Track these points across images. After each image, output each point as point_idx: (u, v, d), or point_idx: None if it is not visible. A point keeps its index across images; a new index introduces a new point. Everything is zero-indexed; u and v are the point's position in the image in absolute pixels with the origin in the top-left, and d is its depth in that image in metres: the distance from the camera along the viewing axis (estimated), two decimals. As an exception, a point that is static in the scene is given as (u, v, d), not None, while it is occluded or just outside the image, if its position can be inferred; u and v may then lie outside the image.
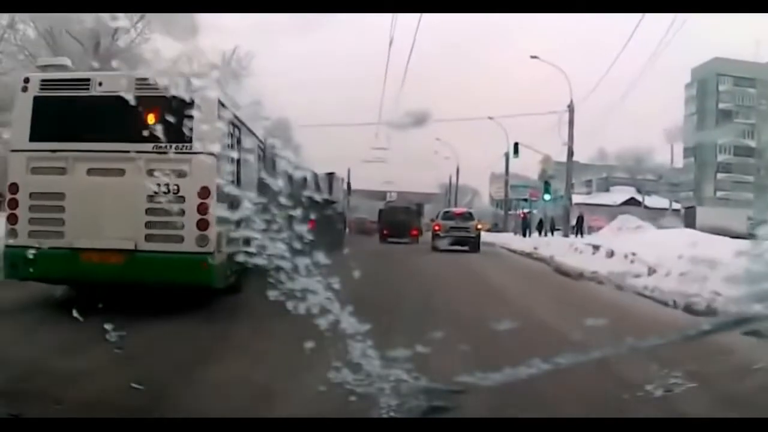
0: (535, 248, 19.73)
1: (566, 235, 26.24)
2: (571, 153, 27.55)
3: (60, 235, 6.03)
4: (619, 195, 64.30)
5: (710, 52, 62.97)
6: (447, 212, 24.66)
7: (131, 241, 6.00)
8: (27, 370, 3.47)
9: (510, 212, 57.00)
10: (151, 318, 5.36)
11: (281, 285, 1.59)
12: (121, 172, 6.02)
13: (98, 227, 6.03)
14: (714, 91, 66.93)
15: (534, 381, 2.09)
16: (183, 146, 5.18)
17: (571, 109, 27.23)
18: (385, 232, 27.89)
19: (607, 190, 67.18)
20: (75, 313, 3.22)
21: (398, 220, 28.06)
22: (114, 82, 6.05)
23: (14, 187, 6.17)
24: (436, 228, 22.57)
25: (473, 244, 21.62)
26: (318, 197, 18.83)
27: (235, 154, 5.57)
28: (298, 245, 1.62)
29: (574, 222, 29.83)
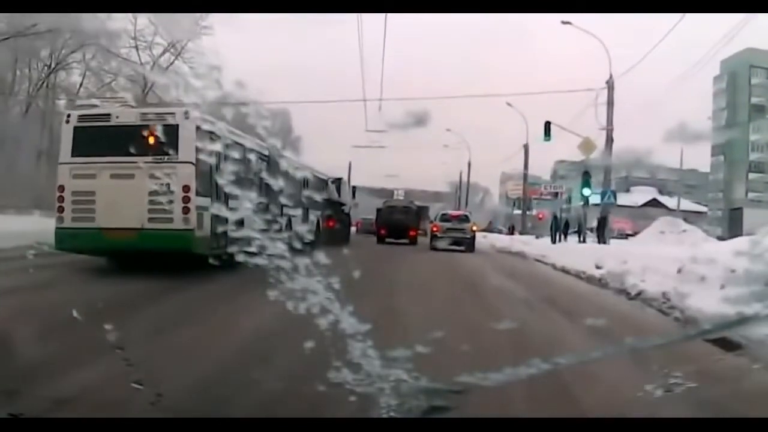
0: (598, 267, 11.53)
1: (603, 241, 22.72)
2: (610, 139, 23.00)
3: (92, 220, 9.08)
4: (640, 196, 60.29)
5: (741, 42, 48.91)
6: (444, 214, 26.39)
7: (139, 222, 8.82)
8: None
9: (519, 212, 54.28)
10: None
11: (273, 261, 1.76)
12: (131, 176, 8.64)
13: (117, 213, 8.90)
14: (746, 84, 61.44)
15: (534, 381, 2.09)
16: (172, 157, 7.77)
17: (610, 85, 22.77)
18: (382, 232, 27.25)
19: (628, 191, 62.60)
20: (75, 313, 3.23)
21: (396, 220, 27.26)
22: (127, 115, 9.07)
23: (62, 188, 9.29)
24: (434, 229, 24.63)
25: (468, 244, 23.63)
26: (328, 198, 21.09)
27: (214, 161, 7.01)
28: (302, 239, 1.81)
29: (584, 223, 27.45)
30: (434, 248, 22.84)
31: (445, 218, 25.12)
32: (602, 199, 23.93)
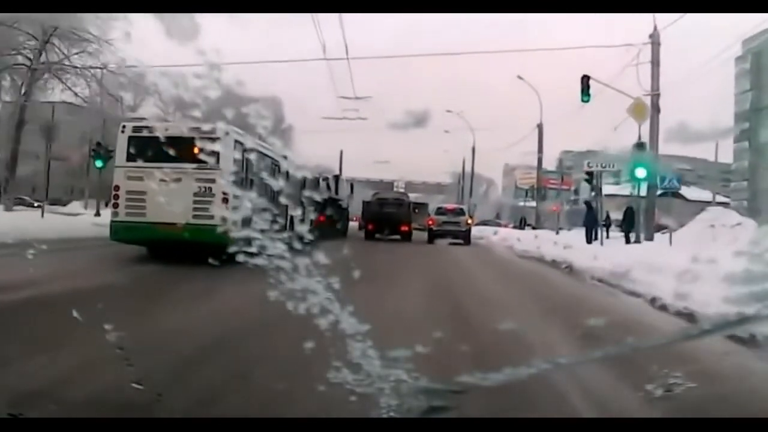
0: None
1: (648, 238, 18.35)
2: (656, 108, 18.60)
3: (143, 215, 10.69)
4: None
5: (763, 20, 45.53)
6: (440, 208, 26.66)
7: (184, 218, 10.23)
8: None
9: (523, 204, 49.92)
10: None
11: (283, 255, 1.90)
12: (179, 180, 9.99)
13: (165, 210, 10.24)
14: (772, 63, 54.11)
15: (534, 381, 2.09)
16: (212, 165, 7.89)
17: (654, 41, 18.77)
18: (369, 227, 24.17)
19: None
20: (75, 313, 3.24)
21: (386, 214, 24.19)
22: (174, 128, 11.39)
23: (117, 188, 11.06)
24: (430, 222, 25.04)
25: (464, 236, 24.14)
26: (325, 196, 21.46)
27: (245, 168, 8.81)
28: (304, 235, 1.91)
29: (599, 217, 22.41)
30: (431, 241, 23.55)
31: (440, 212, 25.51)
32: (661, 183, 19.18)
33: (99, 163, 24.71)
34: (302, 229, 1.88)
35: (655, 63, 18.69)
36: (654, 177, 18.51)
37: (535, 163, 33.63)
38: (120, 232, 11.12)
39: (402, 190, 41.05)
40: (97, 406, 2.86)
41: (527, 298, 8.98)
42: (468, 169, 46.69)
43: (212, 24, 1.94)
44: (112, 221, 11.22)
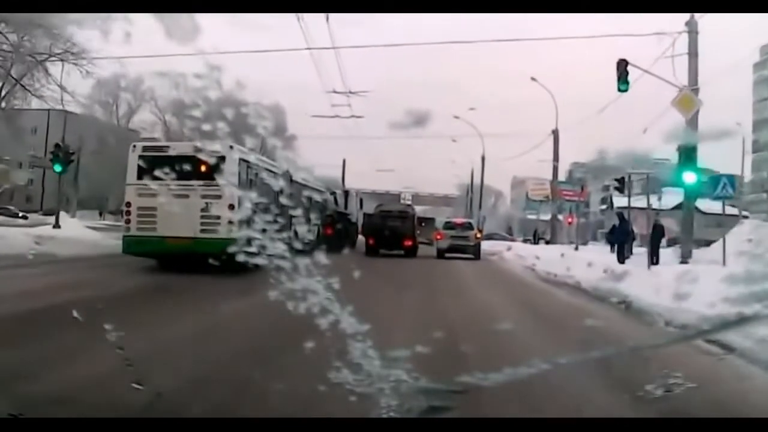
0: None
1: (685, 256, 15.29)
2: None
3: (153, 229, 11.33)
4: (669, 198, 51.59)
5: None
6: (448, 222, 25.77)
7: (193, 231, 10.86)
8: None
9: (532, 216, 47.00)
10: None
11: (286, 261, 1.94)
12: (186, 196, 10.54)
13: (174, 225, 11.03)
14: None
15: (534, 381, 2.09)
16: (219, 182, 8.91)
17: (692, 29, 15.69)
18: (371, 242, 22.38)
19: (654, 192, 55.79)
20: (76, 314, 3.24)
21: (388, 228, 22.41)
22: (182, 147, 10.97)
23: (129, 204, 11.75)
24: (438, 237, 24.23)
25: (473, 251, 22.84)
26: (334, 210, 21.91)
27: (249, 184, 10.22)
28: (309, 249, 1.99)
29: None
30: (439, 255, 22.48)
31: (448, 226, 24.64)
32: (714, 190, 13.90)
33: (57, 168, 21.05)
34: (307, 242, 1.97)
35: (693, 54, 15.87)
36: (704, 183, 15.02)
37: (547, 174, 31.58)
38: (132, 246, 11.75)
39: (408, 202, 39.38)
40: (97, 406, 2.86)
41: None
42: (476, 179, 44.04)
43: (204, 21, 1.94)
44: (124, 236, 11.98)
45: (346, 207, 25.26)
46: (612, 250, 19.47)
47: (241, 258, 1.92)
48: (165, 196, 10.17)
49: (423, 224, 28.13)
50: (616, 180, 20.74)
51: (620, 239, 18.35)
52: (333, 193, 24.21)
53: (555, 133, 28.13)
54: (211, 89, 1.91)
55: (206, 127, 1.94)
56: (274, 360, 4.41)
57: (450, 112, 33.53)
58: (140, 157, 11.63)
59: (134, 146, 12.16)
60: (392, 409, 1.85)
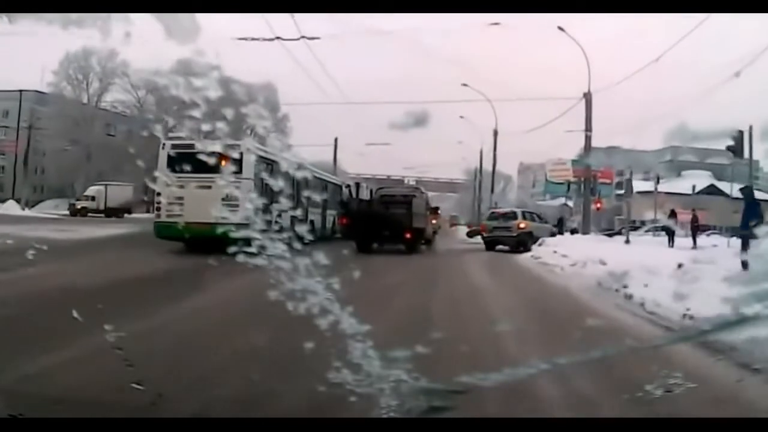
0: None
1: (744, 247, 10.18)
2: None
3: (180, 216, 12.95)
4: (694, 181, 46.09)
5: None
6: (492, 213, 25.01)
7: (214, 218, 10.81)
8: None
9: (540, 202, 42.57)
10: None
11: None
12: (209, 187, 11.11)
13: (198, 212, 11.74)
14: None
15: (534, 381, 2.09)
16: (238, 175, 9.09)
17: None
18: (362, 235, 17.88)
19: (679, 175, 51.73)
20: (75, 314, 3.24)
21: (384, 217, 18.07)
22: (205, 144, 11.24)
23: (159, 194, 13.83)
24: (481, 228, 23.90)
25: (516, 242, 20.85)
26: (348, 201, 22.34)
27: (266, 176, 11.19)
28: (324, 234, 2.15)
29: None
30: (488, 248, 21.71)
31: (492, 217, 23.67)
32: None
33: None
34: (323, 231, 2.18)
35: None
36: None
37: (564, 153, 28.54)
38: (162, 230, 14.01)
39: (414, 184, 35.73)
40: (97, 406, 2.86)
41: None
42: (485, 162, 39.48)
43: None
44: (155, 222, 14.24)
45: (357, 197, 25.70)
46: (670, 244, 17.25)
47: (254, 244, 2.10)
48: (190, 187, 12.11)
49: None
50: (732, 140, 17.33)
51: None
52: (348, 186, 24.81)
53: (587, 97, 23.07)
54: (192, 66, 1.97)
55: (176, 106, 2.03)
56: (274, 357, 4.41)
57: (458, 82, 31.56)
58: (168, 153, 12.73)
59: (164, 144, 13.25)
60: (392, 409, 1.85)
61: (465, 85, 32.53)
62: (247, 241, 2.17)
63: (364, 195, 25.77)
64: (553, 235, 23.02)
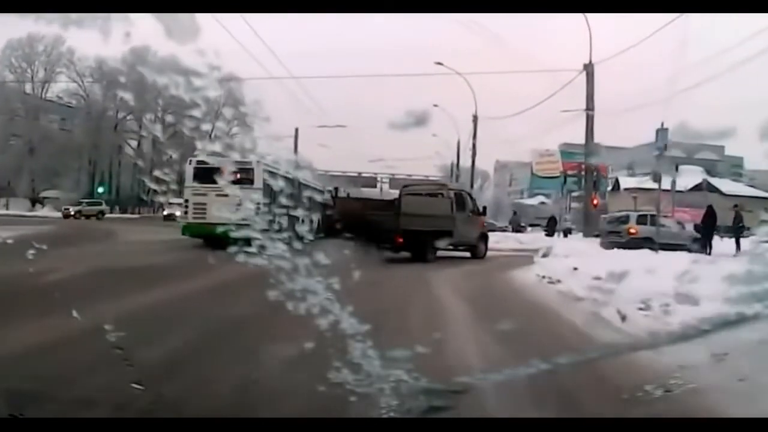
0: None
1: None
2: None
3: (204, 218, 15.51)
4: (687, 178, 42.64)
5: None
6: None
7: (229, 219, 12.63)
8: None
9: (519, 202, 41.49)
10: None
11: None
12: (226, 195, 11.62)
13: (218, 214, 12.61)
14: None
15: (534, 381, 2.09)
16: (250, 185, 10.13)
17: None
18: (399, 240, 14.51)
19: (675, 170, 51.21)
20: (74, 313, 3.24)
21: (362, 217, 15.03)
22: (223, 161, 12.48)
23: (186, 201, 16.60)
24: (632, 231, 18.37)
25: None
26: (332, 205, 23.25)
27: (272, 185, 12.23)
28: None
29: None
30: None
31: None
32: None
33: None
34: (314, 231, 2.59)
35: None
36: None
37: (523, 162, 25.43)
38: (189, 229, 16.73)
39: (387, 184, 33.92)
40: (97, 406, 2.86)
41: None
42: (462, 153, 35.38)
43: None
44: (183, 223, 17.29)
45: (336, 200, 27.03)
46: (708, 251, 15.31)
47: (263, 242, 2.45)
48: (211, 195, 14.99)
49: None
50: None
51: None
52: (329, 191, 25.84)
53: (588, 68, 18.94)
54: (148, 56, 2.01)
55: (126, 95, 2.09)
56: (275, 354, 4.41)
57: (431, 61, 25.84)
58: (194, 168, 16.45)
59: (190, 161, 16.85)
60: (392, 409, 1.85)
61: (439, 63, 28.79)
62: (257, 238, 2.49)
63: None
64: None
